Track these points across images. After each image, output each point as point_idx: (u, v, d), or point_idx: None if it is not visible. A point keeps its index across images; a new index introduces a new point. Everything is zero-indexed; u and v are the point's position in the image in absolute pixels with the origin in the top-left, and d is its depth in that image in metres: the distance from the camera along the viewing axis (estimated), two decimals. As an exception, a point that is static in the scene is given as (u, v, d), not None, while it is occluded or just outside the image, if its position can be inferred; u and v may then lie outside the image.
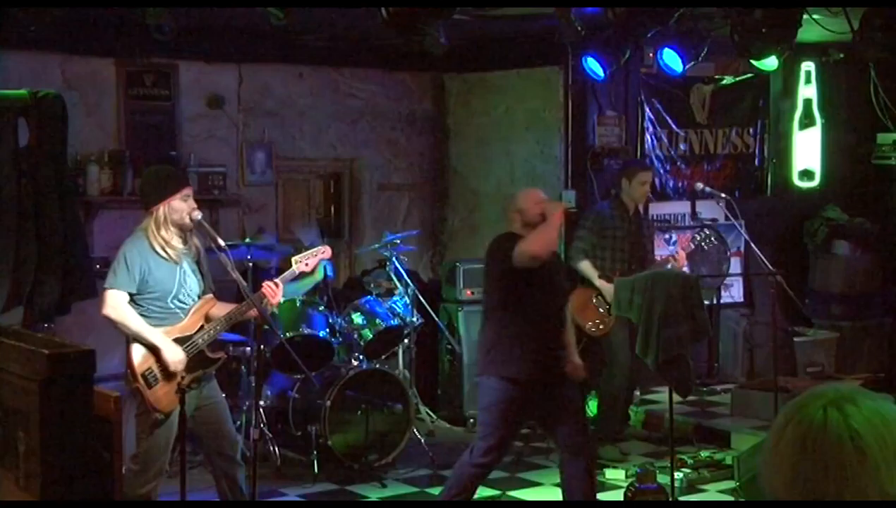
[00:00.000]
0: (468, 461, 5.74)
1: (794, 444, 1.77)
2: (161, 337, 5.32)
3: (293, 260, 5.96)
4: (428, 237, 10.12)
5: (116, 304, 5.30)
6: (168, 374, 5.32)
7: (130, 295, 5.32)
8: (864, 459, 1.72)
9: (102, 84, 8.47)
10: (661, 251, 8.65)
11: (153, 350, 5.31)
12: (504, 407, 5.64)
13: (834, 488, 1.73)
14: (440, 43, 6.29)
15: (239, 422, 7.11)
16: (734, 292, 9.77)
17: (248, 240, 7.54)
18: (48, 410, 3.29)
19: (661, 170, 9.52)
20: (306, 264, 5.94)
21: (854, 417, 1.74)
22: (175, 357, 5.32)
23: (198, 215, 5.43)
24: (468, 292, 8.63)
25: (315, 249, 6.03)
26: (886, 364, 9.60)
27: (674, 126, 9.55)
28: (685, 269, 7.75)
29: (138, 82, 8.61)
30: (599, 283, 7.52)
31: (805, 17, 6.47)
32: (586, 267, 7.57)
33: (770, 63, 7.93)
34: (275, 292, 5.61)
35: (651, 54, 8.44)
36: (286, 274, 5.86)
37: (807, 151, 10.34)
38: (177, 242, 5.41)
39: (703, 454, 7.46)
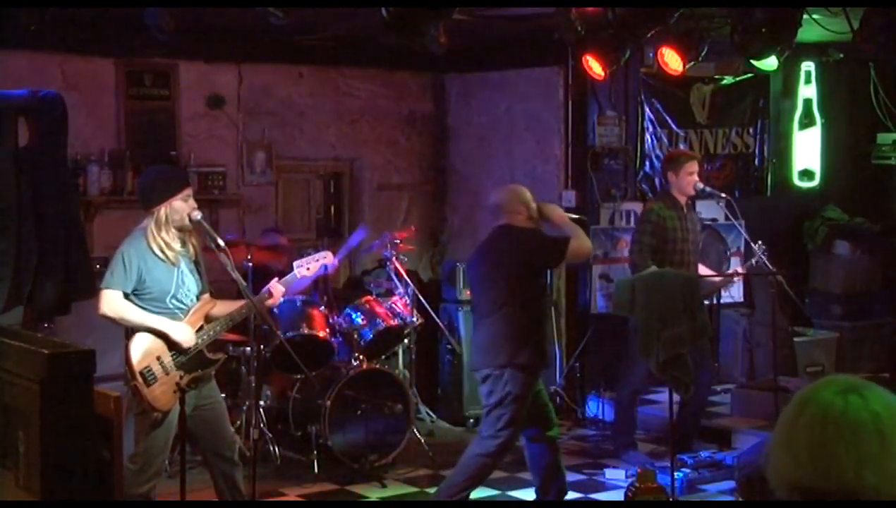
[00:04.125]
0: (481, 452, 5.82)
1: (813, 427, 1.89)
2: (165, 321, 5.31)
3: (294, 264, 5.95)
4: (428, 237, 10.11)
5: (111, 302, 5.29)
6: (167, 372, 5.31)
7: (126, 294, 5.31)
8: (883, 439, 1.87)
9: (102, 84, 8.46)
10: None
11: (161, 336, 5.30)
12: (524, 393, 5.76)
13: (854, 466, 1.86)
14: (440, 43, 6.28)
15: (239, 422, 7.11)
16: (734, 292, 9.75)
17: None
18: (48, 410, 3.29)
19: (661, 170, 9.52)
20: (307, 268, 5.94)
21: (873, 401, 1.89)
22: (185, 335, 5.32)
23: (197, 215, 5.42)
24: (468, 292, 8.61)
25: (317, 254, 6.03)
26: (890, 363, 9.56)
27: (674, 126, 9.54)
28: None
29: (138, 82, 8.60)
30: None
31: (805, 17, 6.47)
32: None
33: (770, 63, 7.92)
34: (275, 294, 5.63)
35: (651, 54, 8.43)
36: (287, 277, 5.87)
37: (807, 151, 10.34)
38: (175, 244, 5.40)
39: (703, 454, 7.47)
